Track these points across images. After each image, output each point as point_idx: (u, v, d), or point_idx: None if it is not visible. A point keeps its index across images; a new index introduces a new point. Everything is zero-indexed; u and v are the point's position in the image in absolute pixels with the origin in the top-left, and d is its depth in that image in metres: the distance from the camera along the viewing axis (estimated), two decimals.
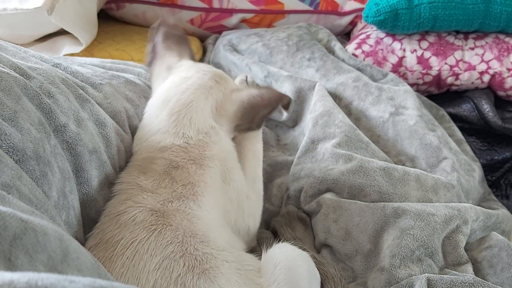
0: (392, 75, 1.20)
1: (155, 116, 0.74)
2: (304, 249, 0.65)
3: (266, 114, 0.79)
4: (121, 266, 0.53)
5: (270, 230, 0.88)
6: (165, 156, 0.68)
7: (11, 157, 0.48)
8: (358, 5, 1.56)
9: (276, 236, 0.83)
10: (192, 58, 0.87)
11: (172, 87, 0.76)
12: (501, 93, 1.26)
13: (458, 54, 1.24)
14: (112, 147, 0.69)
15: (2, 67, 0.56)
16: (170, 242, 0.55)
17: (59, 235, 0.36)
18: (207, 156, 0.69)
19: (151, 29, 0.89)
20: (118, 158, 0.71)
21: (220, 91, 0.77)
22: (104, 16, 1.52)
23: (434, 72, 1.25)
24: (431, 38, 1.27)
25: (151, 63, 0.85)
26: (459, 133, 1.18)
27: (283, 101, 0.80)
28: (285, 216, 0.87)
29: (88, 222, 0.63)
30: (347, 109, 1.11)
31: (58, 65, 0.72)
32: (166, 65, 0.82)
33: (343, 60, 1.26)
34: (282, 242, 0.65)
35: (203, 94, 0.75)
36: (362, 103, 1.11)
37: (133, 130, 0.79)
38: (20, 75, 0.58)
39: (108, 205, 0.63)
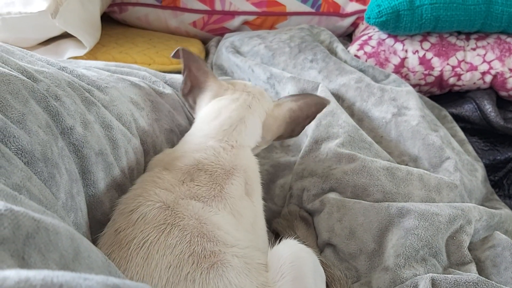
0: (394, 76, 1.21)
1: (206, 124, 0.79)
2: None
3: (306, 124, 0.87)
4: (136, 266, 0.55)
5: (271, 231, 0.88)
6: (195, 156, 0.71)
7: (20, 159, 0.48)
8: (360, 7, 1.56)
9: (278, 236, 0.83)
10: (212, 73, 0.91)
11: (221, 106, 0.81)
12: (503, 93, 1.26)
13: (460, 55, 1.25)
14: (119, 149, 0.69)
15: (10, 70, 0.57)
16: (178, 242, 0.57)
17: (71, 234, 0.37)
18: (236, 165, 0.72)
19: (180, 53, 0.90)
20: (126, 160, 0.71)
21: (263, 110, 0.84)
22: (107, 19, 1.53)
23: (436, 72, 1.26)
24: (433, 39, 1.27)
25: (188, 93, 0.89)
26: (461, 133, 1.18)
27: (322, 108, 0.87)
28: (286, 217, 0.88)
29: (94, 224, 0.63)
30: (350, 110, 1.12)
31: (64, 69, 0.73)
32: (209, 96, 0.86)
33: (345, 62, 1.27)
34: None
35: (251, 114, 0.81)
36: (364, 104, 1.11)
37: (139, 133, 0.79)
38: (28, 78, 0.59)
39: (122, 200, 0.64)
